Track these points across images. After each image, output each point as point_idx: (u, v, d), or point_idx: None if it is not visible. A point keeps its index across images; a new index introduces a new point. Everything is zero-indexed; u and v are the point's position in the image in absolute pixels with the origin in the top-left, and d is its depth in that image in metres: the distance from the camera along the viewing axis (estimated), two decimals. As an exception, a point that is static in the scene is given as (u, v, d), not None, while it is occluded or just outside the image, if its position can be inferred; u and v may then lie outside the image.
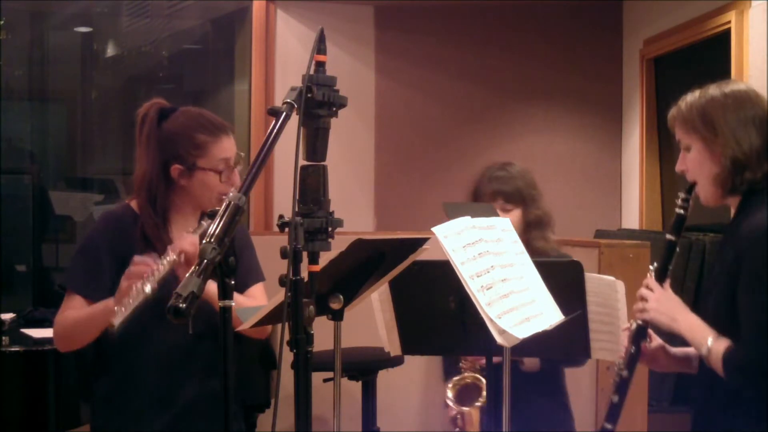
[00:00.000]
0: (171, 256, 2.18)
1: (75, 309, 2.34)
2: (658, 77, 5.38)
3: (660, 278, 2.22)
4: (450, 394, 2.82)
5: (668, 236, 2.24)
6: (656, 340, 2.29)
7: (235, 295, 2.27)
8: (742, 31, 4.33)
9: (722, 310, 2.07)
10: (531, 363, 2.86)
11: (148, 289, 2.11)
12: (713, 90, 2.16)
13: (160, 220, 2.38)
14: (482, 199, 2.90)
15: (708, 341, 2.06)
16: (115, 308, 2.10)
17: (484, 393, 2.69)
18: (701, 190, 2.18)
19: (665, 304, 2.18)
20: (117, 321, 2.08)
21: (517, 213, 2.90)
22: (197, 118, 2.43)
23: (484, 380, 2.70)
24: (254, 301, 2.44)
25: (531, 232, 2.92)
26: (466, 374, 2.84)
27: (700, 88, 2.19)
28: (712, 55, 4.81)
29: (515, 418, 2.81)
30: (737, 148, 2.07)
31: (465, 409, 2.79)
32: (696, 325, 2.11)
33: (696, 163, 2.16)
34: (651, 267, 2.26)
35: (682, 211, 2.22)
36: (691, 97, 2.18)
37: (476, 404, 2.73)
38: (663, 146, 5.36)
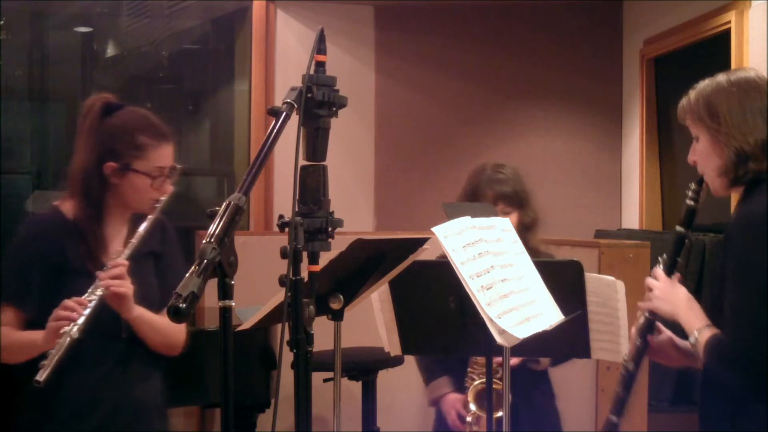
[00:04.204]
0: (98, 290, 2.18)
1: (8, 324, 2.29)
2: (658, 77, 5.37)
3: (669, 270, 2.20)
4: (470, 398, 2.81)
5: (678, 228, 2.21)
6: (665, 333, 2.26)
7: (152, 316, 2.31)
8: (742, 31, 4.33)
9: (717, 300, 2.04)
10: (544, 361, 2.87)
11: (75, 332, 2.12)
12: (721, 78, 2.12)
13: (94, 215, 2.32)
14: (482, 201, 2.89)
15: (696, 330, 2.04)
16: (39, 363, 2.08)
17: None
18: (709, 181, 2.14)
19: (668, 294, 2.15)
20: (43, 378, 2.07)
21: (515, 215, 2.91)
22: (143, 118, 2.39)
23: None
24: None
25: (528, 233, 2.92)
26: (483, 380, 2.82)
27: (711, 77, 2.14)
28: (712, 55, 4.82)
29: (519, 418, 2.80)
30: (741, 138, 2.03)
31: (484, 414, 2.77)
32: (694, 314, 2.09)
33: (703, 154, 2.12)
34: (660, 258, 2.23)
35: (692, 203, 2.19)
36: (701, 85, 2.14)
37: (495, 414, 2.69)
38: (663, 146, 5.35)
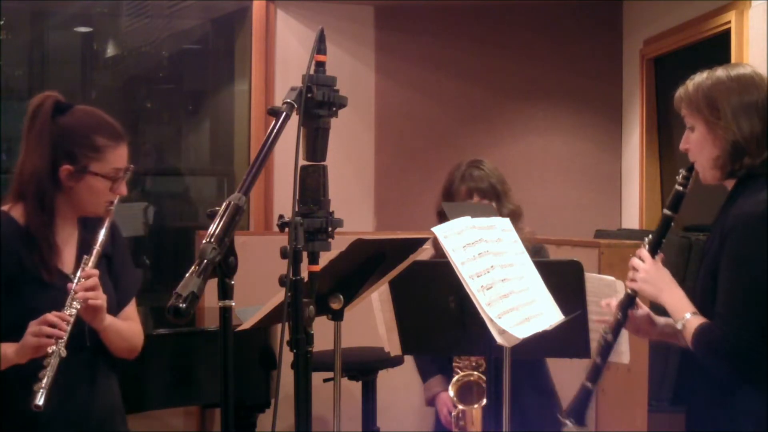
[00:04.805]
0: (75, 303, 2.13)
1: None
2: (658, 77, 5.37)
3: (653, 251, 2.24)
4: (452, 392, 2.81)
5: (665, 211, 2.25)
6: (643, 309, 2.32)
7: (119, 323, 2.28)
8: (742, 31, 4.33)
9: (707, 290, 2.09)
10: None
11: (63, 351, 2.06)
12: (720, 72, 2.16)
13: (48, 220, 2.23)
14: (457, 198, 2.90)
15: (685, 316, 2.10)
16: (35, 387, 2.03)
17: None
18: (700, 170, 2.19)
19: (654, 276, 2.20)
20: (41, 402, 2.01)
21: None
22: (98, 118, 2.30)
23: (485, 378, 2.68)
24: (132, 324, 2.38)
25: None
26: (467, 372, 2.83)
27: (709, 70, 2.19)
28: (712, 55, 4.80)
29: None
30: (738, 132, 2.08)
31: (467, 408, 2.78)
32: (679, 299, 2.15)
33: (697, 144, 2.17)
34: (645, 239, 2.27)
35: (681, 188, 2.23)
36: (699, 77, 2.19)
37: (480, 404, 2.71)
38: (663, 146, 5.35)
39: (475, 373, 2.81)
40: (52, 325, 2.09)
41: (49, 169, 2.23)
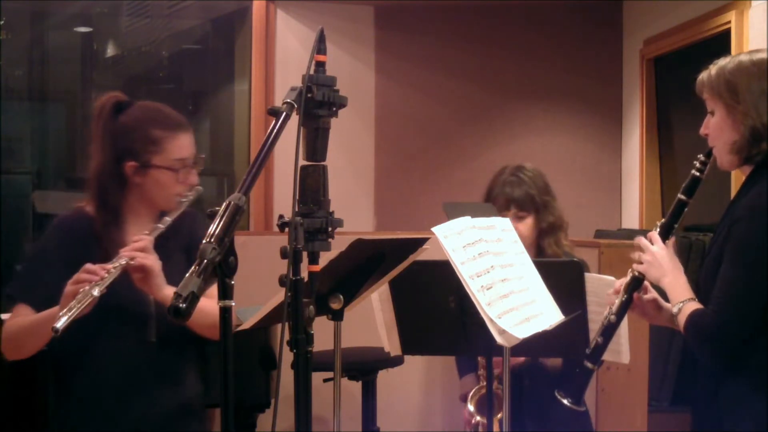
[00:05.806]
0: (122, 260, 2.12)
1: (22, 317, 2.22)
2: (658, 77, 5.37)
3: (664, 235, 2.24)
4: (471, 405, 2.81)
5: (680, 196, 2.25)
6: (651, 293, 2.32)
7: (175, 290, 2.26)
8: (742, 31, 4.33)
9: (710, 279, 2.10)
10: (553, 361, 2.86)
11: (96, 292, 2.04)
12: (743, 57, 2.18)
13: (111, 218, 2.27)
14: (495, 204, 2.87)
15: (682, 301, 2.11)
16: (58, 315, 2.01)
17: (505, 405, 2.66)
18: (718, 155, 2.19)
19: (659, 260, 2.20)
20: (60, 324, 1.99)
21: (530, 220, 2.88)
22: (154, 112, 2.33)
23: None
24: (214, 301, 2.37)
25: (545, 238, 2.89)
26: (485, 384, 2.83)
27: (732, 56, 2.21)
28: (712, 55, 4.79)
29: (540, 421, 2.80)
30: (757, 117, 2.08)
31: (484, 419, 2.78)
32: (680, 285, 2.16)
33: (717, 128, 2.17)
34: (657, 223, 2.27)
35: (697, 174, 2.23)
36: (722, 62, 2.21)
37: (497, 416, 2.69)
38: (663, 146, 5.35)
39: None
40: (93, 273, 2.08)
41: (111, 167, 2.26)
